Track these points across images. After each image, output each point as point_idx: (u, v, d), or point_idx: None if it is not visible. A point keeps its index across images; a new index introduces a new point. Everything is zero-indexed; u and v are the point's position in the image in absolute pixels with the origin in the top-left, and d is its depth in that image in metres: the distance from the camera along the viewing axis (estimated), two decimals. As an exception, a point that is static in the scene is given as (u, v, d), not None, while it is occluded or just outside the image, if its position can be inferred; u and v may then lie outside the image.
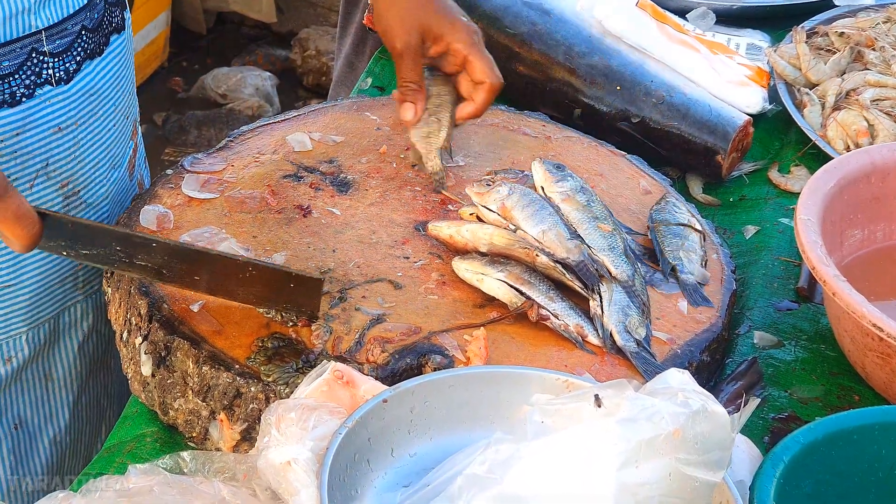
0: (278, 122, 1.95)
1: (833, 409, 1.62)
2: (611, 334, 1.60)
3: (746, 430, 1.56)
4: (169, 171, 1.81)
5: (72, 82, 1.71)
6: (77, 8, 1.70)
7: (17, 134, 1.66)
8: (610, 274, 1.64)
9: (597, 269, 1.65)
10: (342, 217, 1.76)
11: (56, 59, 1.68)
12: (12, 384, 1.78)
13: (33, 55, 1.65)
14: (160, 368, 1.55)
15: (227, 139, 1.89)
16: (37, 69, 1.66)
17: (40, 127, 1.69)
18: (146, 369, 1.56)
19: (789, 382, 1.68)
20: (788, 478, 1.35)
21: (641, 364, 1.57)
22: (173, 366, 1.54)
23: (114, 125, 1.81)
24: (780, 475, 1.34)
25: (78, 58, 1.72)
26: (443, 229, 1.72)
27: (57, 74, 1.68)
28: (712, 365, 1.67)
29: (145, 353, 1.56)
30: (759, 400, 1.63)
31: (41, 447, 1.84)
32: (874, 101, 2.18)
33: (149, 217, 1.70)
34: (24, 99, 1.66)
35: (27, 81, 1.65)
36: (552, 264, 1.65)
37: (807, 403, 1.65)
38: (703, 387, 1.63)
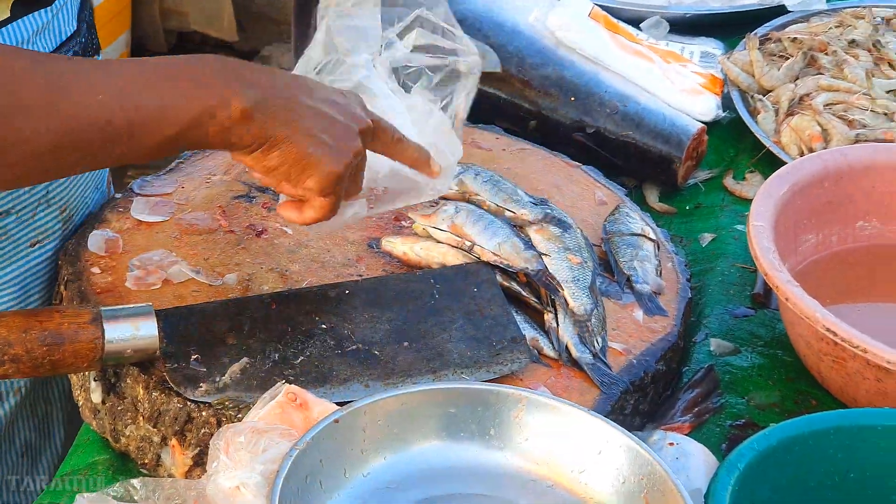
0: (229, 142, 1.93)
1: (790, 414, 1.62)
2: (566, 347, 1.60)
3: (703, 438, 1.56)
4: (118, 195, 1.80)
5: None
6: (69, 35, 1.71)
7: None
8: (567, 306, 1.64)
9: (555, 283, 1.65)
10: (295, 236, 1.75)
11: None
12: (20, 411, 1.79)
13: None
14: (110, 395, 1.54)
15: (178, 160, 1.88)
16: None
17: None
18: (96, 396, 1.55)
19: (746, 389, 1.68)
20: (744, 485, 1.34)
21: (597, 376, 1.57)
22: (123, 392, 1.52)
23: None
24: (735, 482, 1.34)
25: None
26: (396, 246, 1.71)
27: None
28: (668, 374, 1.67)
29: (94, 380, 1.55)
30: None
31: (41, 469, 1.84)
32: (827, 105, 2.19)
33: (97, 242, 1.69)
34: None
35: None
36: (506, 282, 1.65)
37: (764, 409, 1.65)
38: (660, 397, 1.64)
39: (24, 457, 1.83)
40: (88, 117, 1.34)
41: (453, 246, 1.70)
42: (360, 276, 1.69)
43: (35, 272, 1.74)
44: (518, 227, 1.74)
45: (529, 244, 1.69)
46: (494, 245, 1.69)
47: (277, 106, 1.41)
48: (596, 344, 1.60)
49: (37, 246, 1.73)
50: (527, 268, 1.65)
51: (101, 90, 1.35)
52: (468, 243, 1.70)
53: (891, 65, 2.29)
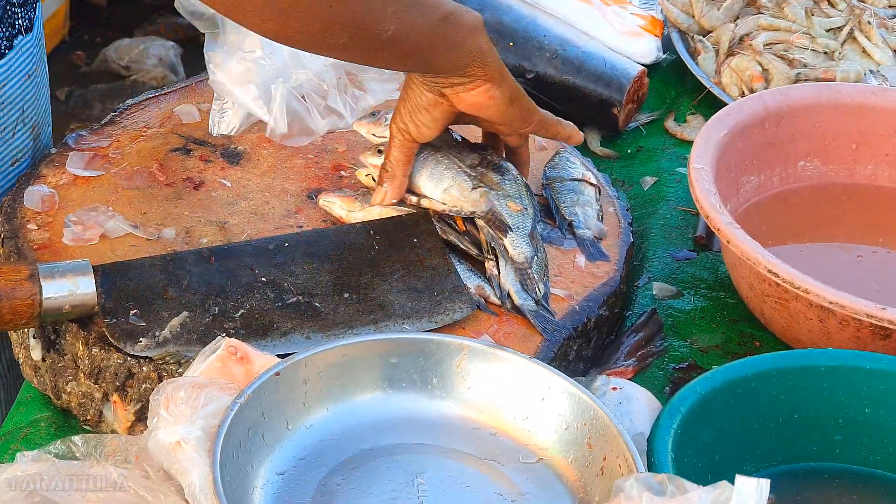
0: (165, 93, 1.91)
1: (734, 356, 1.63)
2: (508, 294, 1.59)
3: (647, 382, 1.57)
4: (53, 150, 1.77)
5: (33, 29, 1.76)
6: None
7: (3, 86, 1.72)
8: (507, 253, 1.62)
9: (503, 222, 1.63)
10: (234, 189, 1.74)
11: (22, 9, 1.73)
12: None
13: (7, 7, 1.69)
14: (50, 352, 1.52)
15: (112, 114, 1.85)
16: (11, 20, 1.70)
17: (18, 76, 1.74)
18: (36, 354, 1.53)
19: (689, 332, 1.68)
20: (687, 428, 1.35)
21: (540, 323, 1.57)
22: (63, 349, 1.51)
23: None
24: (678, 426, 1.34)
25: (35, 4, 1.77)
26: (334, 209, 1.70)
27: (24, 23, 1.74)
28: (612, 319, 1.67)
29: (34, 338, 1.53)
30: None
31: None
32: (767, 45, 2.18)
33: (33, 199, 1.66)
34: (6, 52, 1.70)
35: (6, 34, 1.70)
36: (444, 234, 1.64)
37: (707, 352, 1.65)
38: (603, 342, 1.64)
39: None
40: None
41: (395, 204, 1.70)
42: (300, 227, 1.68)
43: None
44: None
45: (476, 180, 1.67)
46: (441, 193, 1.67)
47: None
48: (538, 291, 1.59)
49: (16, 164, 1.78)
50: (475, 211, 1.64)
51: None
52: (414, 198, 1.68)
53: (831, 3, 2.29)
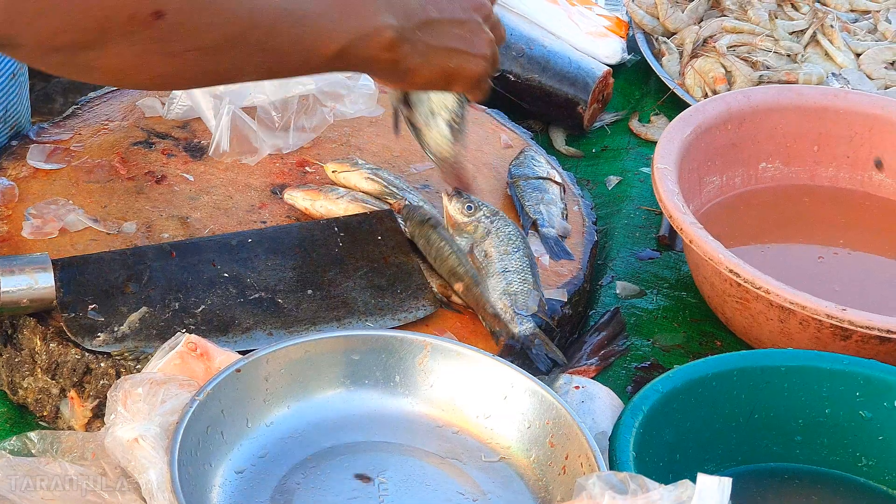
0: (127, 87, 1.89)
1: (695, 355, 1.63)
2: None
3: (609, 380, 1.57)
4: (13, 143, 1.75)
5: None
6: None
7: None
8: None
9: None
10: (196, 183, 1.72)
11: None
12: None
13: None
14: (7, 346, 1.50)
15: (74, 106, 1.84)
16: None
17: (3, 77, 1.73)
18: (-8, 348, 1.52)
19: (652, 331, 1.68)
20: (648, 427, 1.35)
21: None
22: (20, 343, 1.49)
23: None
24: (639, 425, 1.34)
25: None
26: (298, 200, 1.69)
27: None
28: (575, 317, 1.67)
29: (-10, 332, 1.52)
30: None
31: None
32: (731, 47, 2.19)
33: (-8, 191, 1.65)
34: None
35: None
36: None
37: (669, 351, 1.65)
38: (566, 339, 1.64)
39: None
40: (260, 17, 1.31)
41: (365, 192, 1.69)
42: (264, 222, 1.67)
43: None
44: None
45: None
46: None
47: (415, 32, 1.45)
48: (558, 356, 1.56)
49: None
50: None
51: None
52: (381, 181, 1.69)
53: (794, 6, 2.30)
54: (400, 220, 1.65)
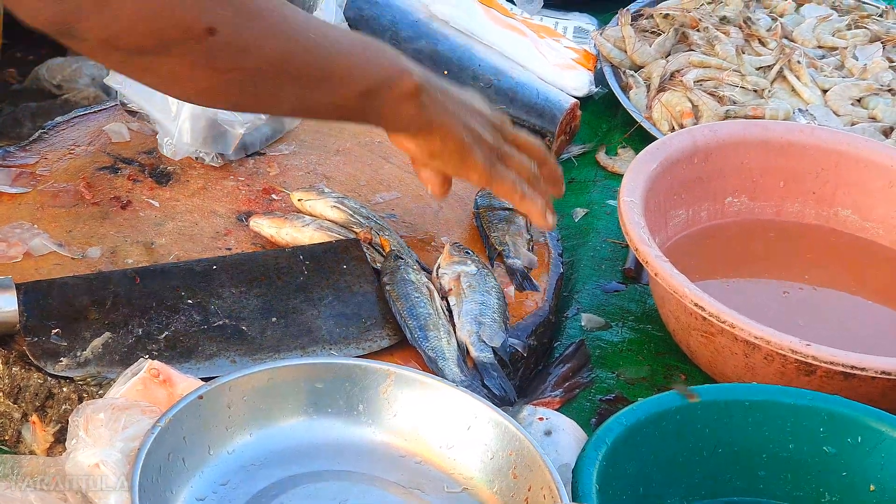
0: (95, 112, 1.90)
1: (660, 388, 1.63)
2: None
3: (574, 412, 1.56)
4: (-22, 166, 1.75)
5: None
6: None
7: None
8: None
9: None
10: (162, 209, 1.72)
11: None
12: None
13: None
14: (-32, 371, 1.49)
15: (41, 131, 1.83)
16: None
17: None
18: (-47, 372, 1.50)
19: (616, 364, 1.68)
20: (612, 460, 1.35)
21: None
22: (-19, 368, 1.48)
23: None
24: (603, 457, 1.34)
25: None
26: (264, 228, 1.68)
27: None
28: (540, 349, 1.66)
29: (-48, 356, 1.50)
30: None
31: None
32: (698, 81, 2.20)
33: (-45, 214, 1.64)
34: None
35: None
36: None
37: (634, 384, 1.65)
38: (531, 371, 1.64)
39: None
40: (295, 48, 1.37)
41: (331, 220, 1.69)
42: (229, 249, 1.66)
43: None
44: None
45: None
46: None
47: (437, 90, 1.49)
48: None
49: None
50: None
51: (312, 29, 1.40)
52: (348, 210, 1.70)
53: (761, 42, 2.32)
54: (366, 250, 1.65)
